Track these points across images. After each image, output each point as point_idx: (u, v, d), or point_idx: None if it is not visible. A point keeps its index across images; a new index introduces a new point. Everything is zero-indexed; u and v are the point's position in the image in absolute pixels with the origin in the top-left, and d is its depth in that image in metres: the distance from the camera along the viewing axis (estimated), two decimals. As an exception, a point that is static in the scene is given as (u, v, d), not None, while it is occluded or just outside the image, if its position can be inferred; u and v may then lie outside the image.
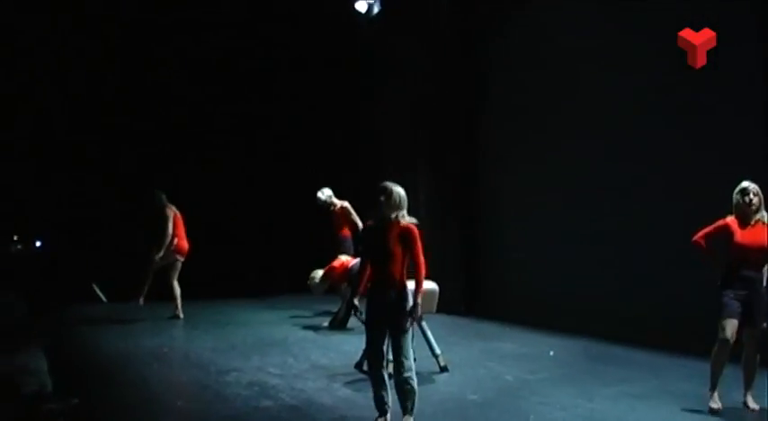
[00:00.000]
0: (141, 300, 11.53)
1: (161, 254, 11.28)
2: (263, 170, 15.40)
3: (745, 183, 6.35)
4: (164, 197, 11.51)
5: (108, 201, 14.12)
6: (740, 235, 6.27)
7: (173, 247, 11.37)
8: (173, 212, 11.45)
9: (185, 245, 11.54)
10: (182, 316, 11.57)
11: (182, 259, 11.55)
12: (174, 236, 11.37)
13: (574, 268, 10.29)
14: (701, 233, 6.53)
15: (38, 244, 15.11)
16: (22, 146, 13.90)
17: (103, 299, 13.48)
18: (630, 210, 9.45)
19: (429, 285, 7.92)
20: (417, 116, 12.83)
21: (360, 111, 14.63)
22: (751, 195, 6.26)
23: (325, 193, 11.36)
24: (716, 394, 6.25)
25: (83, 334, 10.66)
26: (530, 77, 11.14)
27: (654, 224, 9.09)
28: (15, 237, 14.29)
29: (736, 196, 6.35)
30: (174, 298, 11.54)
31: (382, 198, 5.84)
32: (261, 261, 15.20)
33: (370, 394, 6.01)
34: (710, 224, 6.50)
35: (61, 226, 14.26)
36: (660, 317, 8.92)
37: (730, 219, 6.39)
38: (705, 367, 6.36)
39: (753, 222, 6.28)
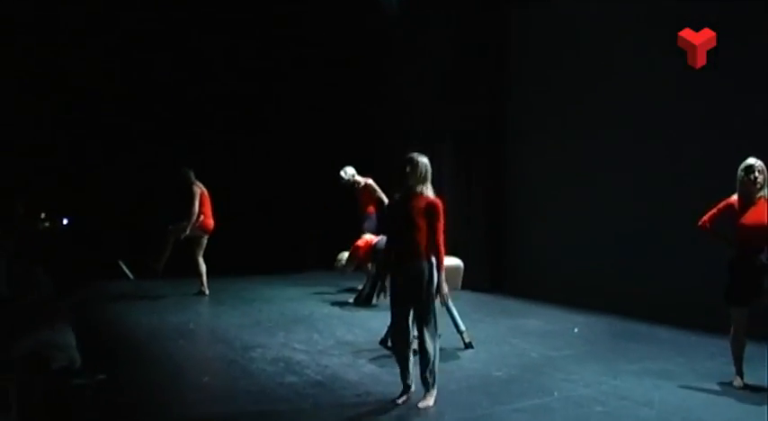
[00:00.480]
0: (159, 271, 11.63)
1: (186, 232, 11.35)
2: (289, 146, 15.36)
3: (750, 160, 6.24)
4: (191, 174, 11.53)
5: (134, 178, 14.17)
6: (743, 213, 6.21)
7: (198, 224, 11.42)
8: (200, 190, 11.49)
9: (211, 222, 11.57)
10: (207, 292, 11.64)
11: (206, 236, 11.60)
12: (200, 213, 11.41)
13: (599, 245, 10.23)
14: (706, 216, 6.51)
15: (65, 221, 15.19)
16: (49, 124, 13.95)
17: (130, 276, 13.59)
18: (656, 188, 9.37)
19: (454, 262, 7.93)
20: (443, 90, 12.72)
21: (387, 84, 14.52)
22: (756, 173, 6.16)
23: (348, 172, 11.34)
24: (740, 373, 6.24)
25: (110, 310, 10.76)
26: (561, 53, 10.98)
27: (680, 201, 9.00)
28: (43, 215, 14.36)
29: (740, 173, 6.25)
30: (199, 274, 11.60)
31: (408, 169, 5.83)
32: (287, 237, 15.23)
33: (395, 370, 6.04)
34: (717, 205, 6.45)
35: (88, 203, 14.33)
36: (685, 295, 8.85)
37: (734, 198, 6.31)
38: (729, 345, 6.33)
39: (756, 200, 6.20)
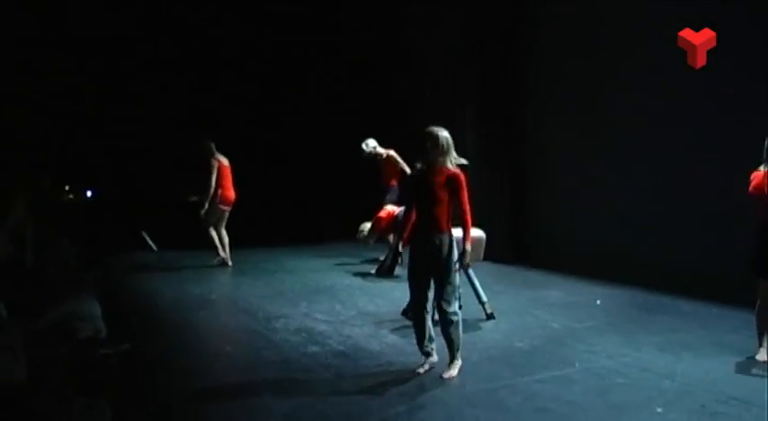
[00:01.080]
0: (222, 257, 11.71)
1: (206, 207, 11.38)
2: (313, 117, 15.38)
3: None
4: (212, 146, 11.50)
5: (157, 150, 14.23)
6: None
7: (218, 199, 11.44)
8: (218, 163, 11.47)
9: (230, 195, 11.56)
10: (230, 263, 11.70)
11: (227, 209, 11.59)
12: (218, 186, 11.41)
13: (622, 216, 10.17)
14: (754, 182, 6.27)
15: (89, 193, 15.31)
16: (72, 97, 14.01)
17: (153, 247, 13.71)
18: (682, 159, 9.28)
19: (476, 233, 7.90)
20: (465, 60, 12.63)
21: (408, 55, 14.44)
22: None
23: (370, 145, 11.34)
24: (764, 347, 6.19)
25: (134, 281, 10.85)
26: (585, 26, 10.85)
27: (704, 173, 8.93)
28: (67, 187, 14.49)
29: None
30: (222, 246, 11.66)
31: (428, 144, 5.81)
32: (309, 209, 15.28)
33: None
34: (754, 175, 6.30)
35: (111, 176, 14.44)
36: (708, 268, 8.80)
37: (763, 170, 6.14)
38: (753, 319, 6.28)
39: None
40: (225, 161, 11.58)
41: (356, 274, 10.93)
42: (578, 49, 10.87)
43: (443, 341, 5.91)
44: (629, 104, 10.01)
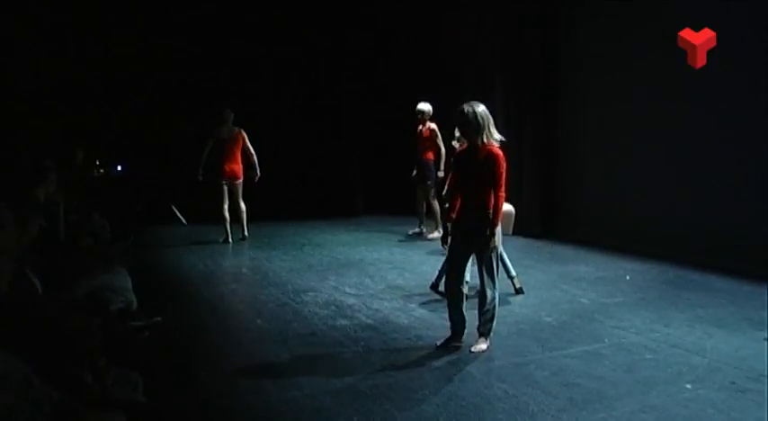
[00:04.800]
0: (242, 235, 11.76)
1: (200, 177, 11.38)
2: (343, 92, 15.36)
3: None
4: (225, 118, 11.42)
5: (186, 124, 14.26)
6: None
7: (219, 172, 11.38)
8: (212, 139, 11.37)
9: (226, 168, 11.35)
10: (231, 240, 11.66)
11: (224, 182, 11.42)
12: (218, 160, 11.34)
13: (652, 191, 10.11)
14: None
15: (119, 168, 15.41)
16: (103, 72, 14.06)
17: (183, 220, 13.81)
18: (713, 134, 9.19)
19: (505, 207, 7.89)
20: (496, 41, 12.54)
21: (442, 35, 14.34)
22: None
23: (427, 108, 11.39)
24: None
25: (164, 254, 10.95)
26: (614, 8, 10.73)
27: (735, 149, 8.83)
28: (97, 162, 14.58)
29: None
30: (232, 220, 11.59)
31: (463, 122, 5.77)
32: (338, 183, 15.29)
33: (446, 314, 6.07)
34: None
35: (141, 150, 14.51)
36: (738, 243, 8.74)
37: None
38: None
39: None
40: (225, 134, 11.42)
41: (384, 248, 10.94)
42: (616, 34, 10.74)
43: (476, 314, 5.92)
44: (661, 79, 9.90)
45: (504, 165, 5.76)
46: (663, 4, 9.77)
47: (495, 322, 5.96)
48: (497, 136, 5.80)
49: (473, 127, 5.72)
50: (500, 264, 7.67)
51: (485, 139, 5.73)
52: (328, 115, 15.38)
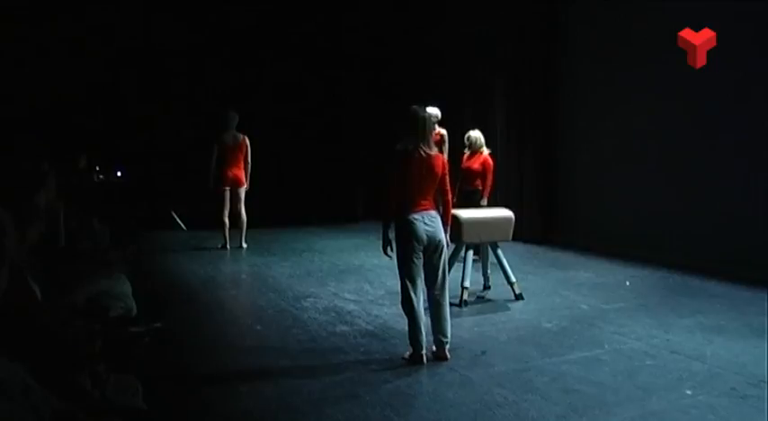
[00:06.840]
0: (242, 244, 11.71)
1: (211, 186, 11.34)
2: (342, 97, 15.38)
3: None
4: (229, 122, 11.35)
5: (186, 130, 14.25)
6: None
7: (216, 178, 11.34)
8: (217, 146, 11.31)
9: (229, 174, 11.33)
10: (229, 247, 11.62)
11: (226, 188, 11.38)
12: (221, 166, 11.30)
13: (651, 198, 10.12)
14: None
15: (119, 173, 15.43)
16: (102, 76, 14.07)
17: (183, 226, 13.81)
18: (712, 141, 9.19)
19: (505, 213, 7.92)
20: (495, 44, 12.56)
21: (442, 36, 14.34)
22: None
23: (435, 112, 11.34)
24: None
25: (163, 260, 10.93)
26: (617, 7, 10.75)
27: (735, 155, 8.83)
28: (97, 168, 14.59)
29: None
30: (223, 226, 11.53)
31: (410, 123, 5.77)
32: (338, 189, 15.29)
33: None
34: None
35: (141, 156, 14.52)
36: (739, 249, 8.74)
37: None
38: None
39: None
40: (230, 140, 11.37)
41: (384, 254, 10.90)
42: (613, 36, 10.77)
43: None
44: (660, 86, 9.92)
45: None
46: (663, 5, 9.78)
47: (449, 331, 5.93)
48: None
49: (428, 129, 5.85)
50: (501, 269, 7.74)
51: (429, 143, 5.82)
52: (329, 121, 15.39)
